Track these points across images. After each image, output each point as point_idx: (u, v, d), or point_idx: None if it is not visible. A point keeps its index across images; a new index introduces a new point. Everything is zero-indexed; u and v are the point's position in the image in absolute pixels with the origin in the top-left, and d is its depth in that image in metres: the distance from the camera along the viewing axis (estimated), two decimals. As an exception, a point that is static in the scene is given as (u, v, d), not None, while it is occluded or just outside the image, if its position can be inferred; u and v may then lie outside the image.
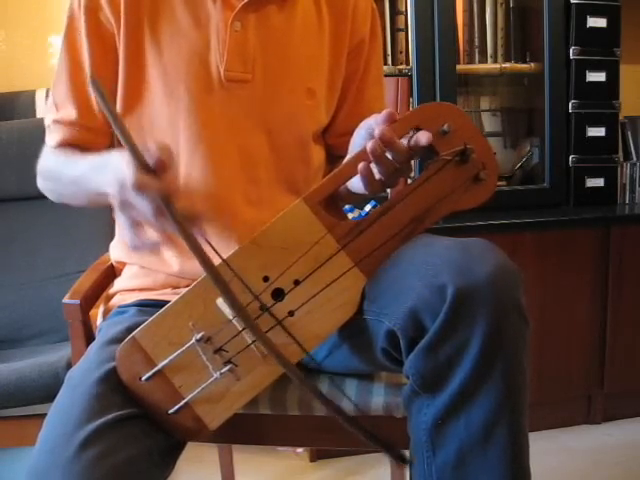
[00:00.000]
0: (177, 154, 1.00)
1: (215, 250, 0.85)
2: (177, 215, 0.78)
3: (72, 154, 1.03)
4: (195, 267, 0.82)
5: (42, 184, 1.09)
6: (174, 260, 1.03)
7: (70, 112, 1.04)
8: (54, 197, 1.10)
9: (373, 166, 0.84)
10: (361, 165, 0.83)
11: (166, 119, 1.01)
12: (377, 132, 0.81)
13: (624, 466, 1.89)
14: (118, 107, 1.02)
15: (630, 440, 2.03)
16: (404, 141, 0.83)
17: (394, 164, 0.83)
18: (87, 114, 1.04)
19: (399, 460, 0.86)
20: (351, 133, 0.93)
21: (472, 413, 0.80)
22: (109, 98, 0.81)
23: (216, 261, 0.83)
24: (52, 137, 1.07)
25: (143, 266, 1.07)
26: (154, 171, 0.78)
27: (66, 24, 1.03)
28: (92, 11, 1.01)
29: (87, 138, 1.05)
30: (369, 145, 0.82)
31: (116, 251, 1.13)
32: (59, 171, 1.04)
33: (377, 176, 0.85)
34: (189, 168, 1.01)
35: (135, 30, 1.00)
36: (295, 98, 1.05)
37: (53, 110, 1.06)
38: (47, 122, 1.08)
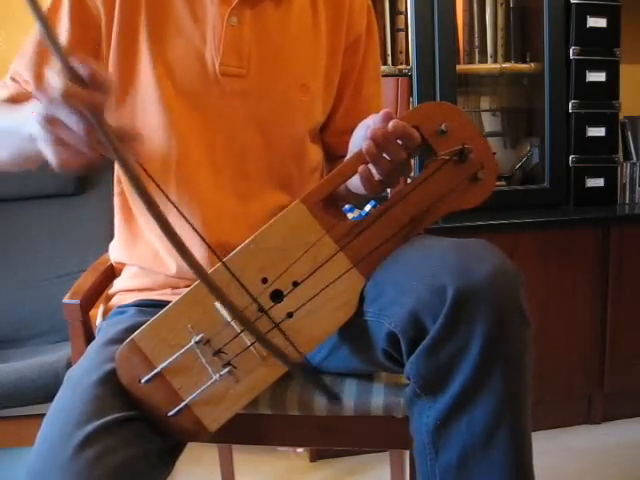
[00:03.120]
0: (170, 147, 1.00)
1: (155, 182, 0.81)
2: (111, 133, 0.72)
3: (16, 106, 0.96)
4: None
5: None
6: (172, 262, 1.03)
7: (27, 81, 1.02)
8: None
9: (372, 166, 0.84)
10: (361, 167, 0.83)
11: (159, 112, 1.00)
12: (369, 133, 0.81)
13: (624, 466, 1.89)
14: None
15: (630, 440, 2.03)
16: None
17: (391, 164, 0.83)
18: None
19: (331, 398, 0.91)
20: (350, 132, 0.93)
21: (474, 414, 0.79)
22: (41, 10, 0.72)
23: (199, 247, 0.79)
24: (3, 92, 1.03)
25: (142, 267, 1.08)
26: (85, 83, 0.73)
27: (50, 2, 1.01)
28: None
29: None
30: (364, 146, 0.82)
31: (115, 252, 1.13)
32: None
33: (376, 177, 0.85)
34: (180, 161, 1.01)
35: (130, 22, 1.00)
36: (289, 94, 1.05)
37: (15, 72, 1.04)
38: (5, 79, 1.05)
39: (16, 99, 1.01)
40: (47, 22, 0.71)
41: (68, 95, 0.71)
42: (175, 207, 0.83)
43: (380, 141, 0.81)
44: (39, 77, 1.00)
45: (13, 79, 1.04)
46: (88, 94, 0.72)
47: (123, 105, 1.01)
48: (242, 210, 1.02)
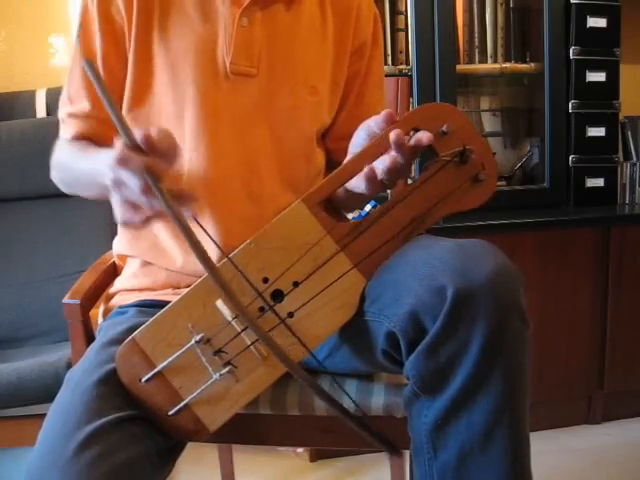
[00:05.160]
0: (183, 146, 1.01)
1: (208, 233, 0.86)
2: (164, 193, 0.78)
3: (86, 147, 1.04)
4: (197, 263, 0.83)
5: (55, 176, 1.11)
6: (178, 254, 1.03)
7: (84, 105, 1.06)
8: (67, 189, 1.11)
9: (376, 167, 0.84)
10: (367, 168, 0.83)
11: (172, 111, 1.02)
12: (392, 136, 0.81)
13: (624, 466, 1.89)
14: (126, 99, 1.04)
15: (630, 440, 2.03)
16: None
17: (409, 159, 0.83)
18: (99, 106, 1.04)
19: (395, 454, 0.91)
20: (351, 137, 0.93)
21: (473, 414, 0.80)
22: (102, 78, 0.82)
23: (210, 251, 0.83)
24: (67, 130, 1.09)
25: (145, 260, 1.08)
26: (141, 148, 0.79)
27: (79, 20, 1.05)
28: (104, 6, 1.02)
29: (101, 130, 1.05)
30: (392, 135, 0.81)
31: (119, 245, 1.13)
32: (72, 165, 1.05)
33: (379, 176, 0.85)
34: (192, 160, 1.02)
35: (145, 23, 1.02)
36: (298, 94, 1.06)
37: (67, 103, 1.08)
38: (61, 115, 1.10)
39: (81, 135, 1.07)
40: (107, 92, 0.80)
41: (121, 158, 0.78)
42: (201, 227, 0.85)
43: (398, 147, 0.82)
44: (96, 103, 1.05)
45: (71, 114, 1.08)
46: (140, 156, 0.78)
47: (142, 105, 1.03)
48: (253, 211, 1.03)
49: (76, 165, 1.03)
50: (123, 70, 1.04)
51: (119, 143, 0.80)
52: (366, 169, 0.83)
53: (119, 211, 0.83)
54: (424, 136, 0.82)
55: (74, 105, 1.07)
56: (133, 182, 0.79)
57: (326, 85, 1.09)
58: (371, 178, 0.84)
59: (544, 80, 2.09)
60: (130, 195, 0.81)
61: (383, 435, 0.93)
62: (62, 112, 1.10)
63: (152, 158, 0.78)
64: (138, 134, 0.79)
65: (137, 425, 0.84)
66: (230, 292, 0.81)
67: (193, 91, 1.01)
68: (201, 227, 0.86)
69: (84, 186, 1.03)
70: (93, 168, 0.93)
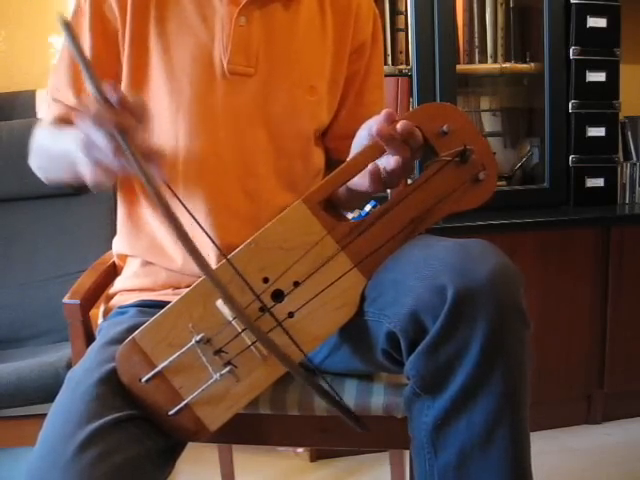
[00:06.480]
0: (176, 145, 1.01)
1: (207, 233, 0.86)
2: (136, 153, 0.77)
3: (65, 127, 1.03)
4: None
5: (33, 161, 1.10)
6: (177, 254, 1.03)
7: (68, 97, 1.06)
8: (43, 175, 1.09)
9: (380, 163, 0.84)
10: (371, 165, 0.83)
11: (168, 111, 1.01)
12: (375, 130, 0.81)
13: (624, 466, 1.89)
14: None
15: (630, 440, 2.03)
16: None
17: (408, 149, 0.83)
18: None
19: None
20: (350, 136, 0.93)
21: (473, 414, 0.80)
22: (78, 39, 0.82)
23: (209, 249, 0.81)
24: (50, 112, 1.08)
25: (146, 259, 1.08)
26: (112, 106, 0.78)
27: (71, 17, 1.05)
28: (97, 4, 1.02)
29: None
30: (377, 128, 0.81)
31: (118, 244, 1.13)
32: (49, 145, 1.04)
33: (382, 174, 0.85)
34: (188, 160, 1.01)
35: (141, 22, 1.02)
36: (296, 94, 1.06)
37: (54, 91, 1.08)
38: (47, 98, 1.09)
39: (63, 119, 1.06)
40: (80, 49, 0.79)
41: (96, 117, 0.77)
42: (191, 215, 0.85)
43: (386, 140, 0.82)
44: (79, 92, 1.05)
45: (56, 99, 1.08)
46: (114, 116, 0.77)
47: None
48: (250, 209, 1.03)
49: (53, 143, 1.02)
50: (114, 68, 1.03)
51: (90, 100, 0.79)
52: (370, 166, 0.83)
53: (89, 174, 0.83)
54: (392, 161, 0.82)
55: (60, 94, 1.07)
56: (102, 140, 0.78)
57: (325, 84, 1.09)
58: (375, 175, 0.84)
59: (544, 80, 2.09)
60: (100, 156, 0.80)
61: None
62: (48, 96, 1.09)
63: (123, 115, 0.78)
64: (111, 92, 0.78)
65: (137, 425, 0.84)
66: (226, 293, 0.81)
67: (189, 91, 1.01)
68: (201, 227, 0.85)
69: (58, 165, 1.01)
70: (68, 147, 0.92)
